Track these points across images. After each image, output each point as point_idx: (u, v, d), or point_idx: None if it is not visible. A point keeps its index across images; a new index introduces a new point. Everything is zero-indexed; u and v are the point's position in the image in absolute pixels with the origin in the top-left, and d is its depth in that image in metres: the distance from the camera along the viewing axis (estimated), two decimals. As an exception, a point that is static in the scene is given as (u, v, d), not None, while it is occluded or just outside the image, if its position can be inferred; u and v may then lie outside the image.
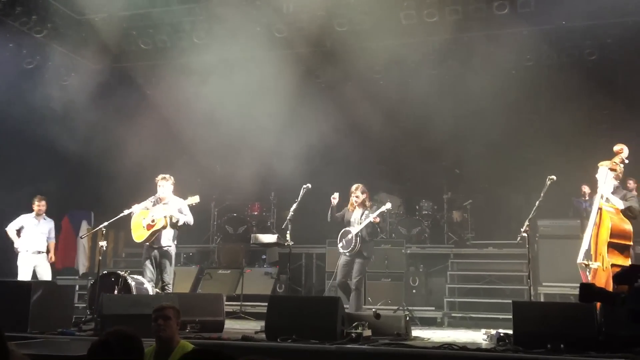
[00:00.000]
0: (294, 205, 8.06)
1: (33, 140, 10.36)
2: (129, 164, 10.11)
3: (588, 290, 3.01)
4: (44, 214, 9.50)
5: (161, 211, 8.06)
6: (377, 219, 8.13)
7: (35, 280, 9.15)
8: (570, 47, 10.05)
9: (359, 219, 8.25)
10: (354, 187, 8.44)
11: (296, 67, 10.49)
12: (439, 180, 11.37)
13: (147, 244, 8.13)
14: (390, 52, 10.37)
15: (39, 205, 9.45)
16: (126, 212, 8.10)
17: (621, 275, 3.05)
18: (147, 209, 8.16)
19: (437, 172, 11.41)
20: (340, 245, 8.33)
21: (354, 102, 10.84)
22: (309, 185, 8.10)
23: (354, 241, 8.15)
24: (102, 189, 10.65)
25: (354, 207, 8.38)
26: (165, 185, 8.15)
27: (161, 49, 10.67)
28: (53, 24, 10.14)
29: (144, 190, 8.67)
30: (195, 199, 8.16)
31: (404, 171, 11.43)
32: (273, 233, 10.60)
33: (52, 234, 9.62)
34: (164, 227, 8.04)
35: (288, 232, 7.97)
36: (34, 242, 9.19)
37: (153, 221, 8.04)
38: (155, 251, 8.14)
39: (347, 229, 8.33)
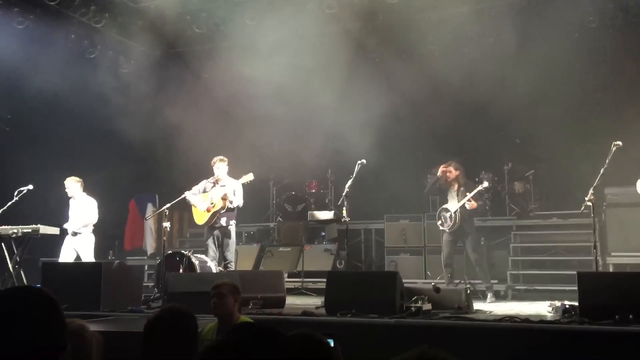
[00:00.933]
0: (349, 182, 8.07)
1: (98, 127, 10.79)
2: (188, 146, 10.36)
3: None
4: (78, 195, 8.96)
5: (219, 193, 8.26)
6: (474, 204, 8.28)
7: (106, 261, 9.58)
8: (635, 5, 9.50)
9: (456, 196, 8.44)
10: (444, 166, 8.68)
11: (349, 42, 10.40)
12: (498, 150, 11.08)
13: (210, 224, 8.39)
14: (445, 22, 10.11)
15: (65, 187, 9.03)
16: (186, 194, 8.36)
17: None
18: (206, 191, 8.40)
19: (496, 143, 11.12)
20: (439, 222, 8.58)
21: (408, 76, 10.65)
22: (364, 161, 8.08)
23: (453, 218, 8.35)
24: (165, 172, 10.98)
25: (450, 185, 8.59)
26: (221, 166, 8.36)
27: (215, 32, 10.80)
28: (111, 14, 10.43)
29: (204, 171, 8.91)
30: (249, 177, 8.32)
31: (461, 143, 11.18)
32: (330, 210, 10.67)
33: (87, 214, 8.89)
34: (223, 209, 8.25)
35: (344, 208, 8.00)
36: (69, 224, 8.90)
37: (212, 204, 8.27)
38: (217, 231, 8.38)
39: (445, 206, 8.56)
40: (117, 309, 6.89)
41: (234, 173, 8.63)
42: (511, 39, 10.04)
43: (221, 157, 8.49)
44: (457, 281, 8.82)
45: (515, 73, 9.90)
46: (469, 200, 8.32)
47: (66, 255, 8.80)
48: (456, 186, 8.61)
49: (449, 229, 8.49)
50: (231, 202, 8.25)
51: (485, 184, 8.58)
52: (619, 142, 6.68)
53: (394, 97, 10.54)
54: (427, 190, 9.01)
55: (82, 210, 8.93)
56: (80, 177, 9.12)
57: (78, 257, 8.80)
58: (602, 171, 6.71)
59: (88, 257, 8.79)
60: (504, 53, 9.96)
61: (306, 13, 9.91)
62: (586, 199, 6.66)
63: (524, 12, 9.93)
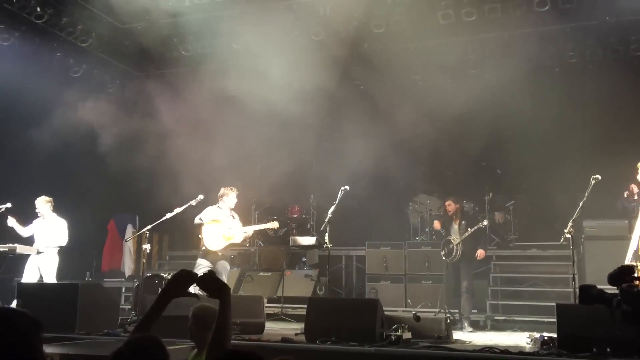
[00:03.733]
0: (332, 208, 8.08)
1: (78, 146, 10.68)
2: (171, 168, 10.32)
3: (587, 292, 2.96)
4: (48, 215, 8.87)
5: (239, 227, 8.19)
6: (482, 253, 8.98)
7: (82, 282, 9.42)
8: (614, 42, 9.77)
9: (457, 230, 8.98)
10: (446, 202, 9.34)
11: (334, 69, 10.51)
12: (480, 181, 11.21)
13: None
14: (429, 52, 10.29)
15: (36, 206, 8.92)
16: (168, 215, 8.28)
17: (614, 277, 2.95)
18: (219, 220, 8.24)
19: (478, 173, 11.26)
20: (442, 253, 9.03)
21: (392, 104, 10.78)
22: (347, 188, 8.11)
23: (456, 250, 8.82)
24: (146, 193, 10.90)
25: (451, 217, 9.15)
26: (233, 197, 8.29)
27: (200, 55, 10.86)
28: (97, 33, 10.44)
29: (186, 194, 8.85)
30: (274, 224, 8.68)
31: (444, 172, 11.31)
32: (312, 235, 10.65)
33: (57, 235, 8.77)
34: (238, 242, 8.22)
35: (326, 234, 8.00)
36: (36, 243, 8.76)
37: (230, 235, 8.16)
38: (217, 258, 8.22)
39: (448, 238, 9.00)
40: (93, 331, 6.77)
41: (215, 196, 8.57)
42: (493, 71, 10.24)
43: (233, 188, 8.44)
44: (436, 310, 8.83)
45: (496, 105, 10.08)
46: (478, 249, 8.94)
47: (29, 274, 8.61)
48: (457, 220, 9.08)
49: (450, 260, 8.89)
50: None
51: (485, 222, 9.00)
52: (598, 176, 6.80)
53: (378, 124, 10.64)
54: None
55: (51, 230, 8.79)
56: (52, 197, 8.97)
57: (41, 277, 8.64)
58: (581, 204, 6.82)
59: (50, 277, 8.64)
60: (486, 84, 10.15)
61: (293, 39, 10.01)
62: (565, 231, 6.74)
63: (505, 45, 10.14)
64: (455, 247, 8.83)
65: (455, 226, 9.07)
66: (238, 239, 8.22)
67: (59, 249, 8.80)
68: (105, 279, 10.94)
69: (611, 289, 2.98)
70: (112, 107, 10.62)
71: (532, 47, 9.92)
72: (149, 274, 8.53)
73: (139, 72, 11.41)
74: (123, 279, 11.51)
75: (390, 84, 10.90)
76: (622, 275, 2.91)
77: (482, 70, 10.43)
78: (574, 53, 10.03)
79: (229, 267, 8.41)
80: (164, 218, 8.31)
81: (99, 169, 10.94)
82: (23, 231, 8.83)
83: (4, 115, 10.32)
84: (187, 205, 8.41)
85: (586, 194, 6.83)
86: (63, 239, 8.82)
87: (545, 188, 10.70)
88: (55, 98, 9.97)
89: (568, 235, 6.73)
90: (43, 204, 8.87)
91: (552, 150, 10.50)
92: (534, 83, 9.81)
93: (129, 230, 11.58)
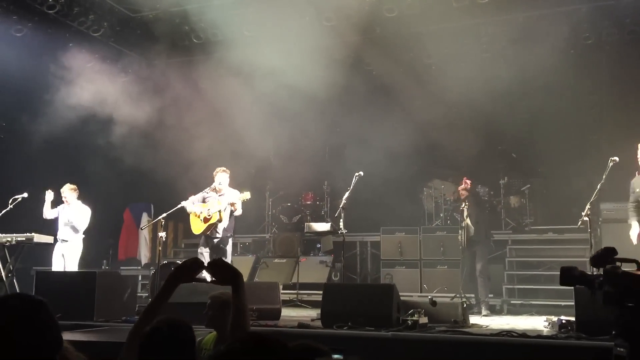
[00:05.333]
0: (347, 194, 8.06)
1: (92, 136, 10.74)
2: (185, 156, 10.35)
3: (569, 273, 2.92)
4: (73, 202, 8.97)
5: (216, 205, 8.27)
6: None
7: (100, 270, 9.52)
8: (631, 22, 9.59)
9: (465, 212, 8.69)
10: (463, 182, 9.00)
11: (346, 55, 10.44)
12: (495, 165, 11.12)
13: (206, 234, 8.38)
14: (442, 36, 10.17)
15: (62, 194, 9.02)
16: (183, 203, 8.35)
17: (596, 258, 2.90)
18: (205, 201, 8.40)
19: (492, 157, 11.16)
20: (460, 237, 8.76)
21: (405, 89, 10.70)
22: (361, 173, 8.08)
23: (463, 233, 8.58)
24: (161, 181, 10.95)
25: (463, 202, 8.81)
26: (222, 177, 8.36)
27: (212, 43, 10.83)
28: (109, 23, 10.45)
29: (201, 181, 8.89)
30: (246, 195, 8.33)
31: (458, 156, 11.21)
32: (327, 222, 10.64)
33: (81, 221, 8.87)
34: (219, 221, 8.24)
35: (341, 220, 7.98)
36: (61, 231, 8.90)
37: (209, 215, 8.27)
38: (213, 241, 8.36)
39: (462, 224, 8.71)
40: (111, 319, 6.84)
41: (231, 184, 8.63)
42: (508, 54, 10.11)
43: (223, 168, 8.52)
44: (452, 295, 8.81)
45: (512, 88, 9.96)
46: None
47: (56, 263, 8.77)
48: (466, 203, 8.86)
49: (463, 243, 8.69)
50: (234, 210, 8.27)
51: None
52: (616, 158, 6.71)
53: (391, 109, 10.58)
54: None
55: (76, 216, 8.88)
56: (76, 186, 9.11)
57: (65, 265, 8.75)
58: (599, 187, 6.73)
59: (73, 265, 8.73)
60: (501, 68, 10.03)
61: (304, 25, 9.95)
62: (583, 214, 6.67)
63: (521, 28, 10.00)
64: (461, 230, 8.66)
65: (465, 206, 8.85)
66: (215, 217, 8.27)
67: (83, 237, 8.91)
68: (121, 267, 11.04)
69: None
70: (126, 96, 10.64)
71: (546, 29, 9.76)
72: (165, 262, 8.59)
73: (150, 61, 11.40)
74: (139, 267, 11.62)
75: (403, 69, 10.80)
76: (605, 256, 2.86)
77: (495, 54, 10.31)
78: (590, 34, 9.87)
79: (228, 250, 8.46)
80: (178, 206, 8.37)
81: (114, 158, 11.00)
82: (49, 212, 8.93)
83: (18, 106, 10.39)
84: (200, 194, 8.47)
85: (604, 177, 6.75)
86: (83, 225, 8.89)
87: (561, 171, 10.59)
88: (68, 88, 9.99)
89: (586, 219, 6.66)
90: (70, 191, 8.98)
91: (568, 133, 10.38)
92: (549, 65, 9.66)
93: (144, 218, 11.65)
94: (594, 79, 10.34)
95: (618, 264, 2.81)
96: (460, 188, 9.05)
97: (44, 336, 1.61)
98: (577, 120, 10.36)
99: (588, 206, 6.68)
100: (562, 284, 2.98)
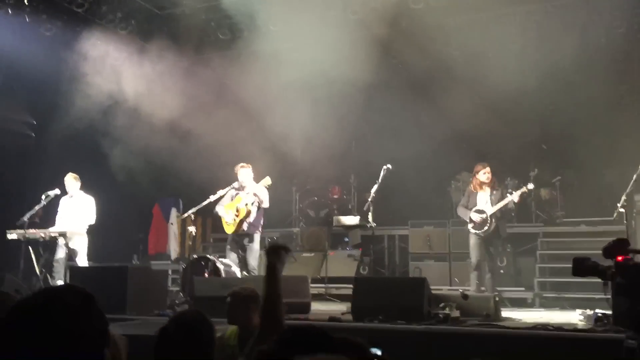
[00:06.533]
0: (375, 187, 8.02)
1: (120, 131, 10.84)
2: (213, 151, 10.39)
3: (581, 265, 2.95)
4: (76, 193, 8.84)
5: (242, 201, 8.31)
6: (519, 199, 8.28)
7: (131, 265, 9.62)
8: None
9: (489, 199, 8.38)
10: (481, 167, 8.57)
11: (372, 48, 10.36)
12: (524, 156, 10.95)
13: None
14: (469, 27, 10.04)
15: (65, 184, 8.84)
16: (212, 198, 8.40)
17: (608, 249, 2.90)
18: (232, 199, 8.44)
19: (522, 149, 10.99)
20: (471, 225, 8.42)
21: (432, 81, 10.60)
22: (390, 166, 8.03)
23: (489, 221, 8.25)
24: (189, 176, 11.03)
25: (481, 188, 8.50)
26: (244, 173, 8.40)
27: (238, 38, 10.85)
28: (137, 20, 10.54)
29: (228, 176, 8.93)
30: (267, 181, 8.33)
31: (486, 148, 11.07)
32: (355, 215, 10.61)
33: (86, 213, 8.69)
34: (248, 216, 8.27)
35: (370, 213, 7.95)
36: (64, 224, 8.75)
37: (237, 211, 8.31)
38: (241, 238, 8.39)
39: (478, 208, 8.39)
40: (143, 312, 6.91)
41: (257, 178, 8.65)
42: (537, 43, 9.93)
43: (242, 164, 8.54)
44: (482, 288, 8.70)
45: (541, 78, 9.79)
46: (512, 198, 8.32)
47: (60, 255, 8.55)
48: (489, 189, 8.55)
49: (483, 233, 8.35)
50: (261, 202, 8.28)
51: (531, 185, 8.60)
52: (652, 148, 6.56)
53: (419, 102, 10.48)
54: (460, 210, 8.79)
55: (80, 209, 8.74)
56: (97, 182, 9.04)
57: (71, 258, 8.58)
58: (634, 177, 6.58)
59: (82, 260, 8.60)
60: (529, 58, 9.85)
61: (330, 18, 9.90)
62: (619, 205, 6.54)
63: (549, 17, 9.82)
64: (489, 217, 8.33)
65: (485, 195, 8.53)
66: (242, 212, 8.26)
67: (88, 228, 8.78)
68: (152, 262, 11.15)
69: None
70: (153, 91, 10.72)
71: (576, 18, 9.57)
72: (195, 256, 8.64)
73: (179, 57, 11.47)
74: (169, 262, 11.72)
75: (431, 61, 10.68)
76: (617, 247, 2.87)
77: (524, 44, 10.13)
78: (621, 22, 9.64)
79: (255, 247, 8.46)
80: (206, 201, 8.42)
81: (142, 155, 11.10)
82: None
83: (47, 106, 10.54)
84: (229, 188, 8.51)
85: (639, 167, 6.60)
86: (92, 217, 8.78)
87: (592, 163, 10.38)
88: (96, 84, 10.10)
89: (621, 210, 6.53)
90: (73, 181, 8.88)
91: (599, 123, 10.17)
92: (580, 55, 9.47)
93: (173, 213, 11.76)
94: (625, 67, 10.10)
95: (631, 255, 2.84)
96: (485, 171, 8.57)
97: (97, 327, 1.62)
98: (609, 110, 10.14)
99: (624, 197, 6.56)
100: (574, 274, 3.01)
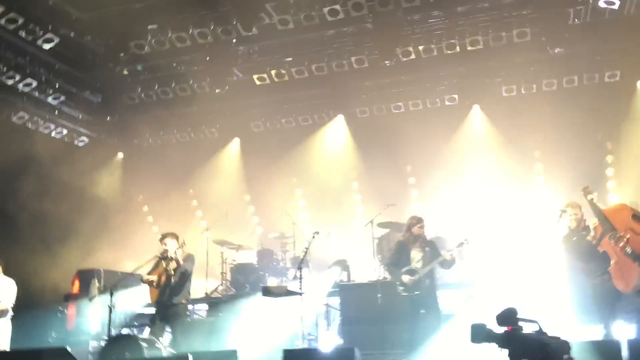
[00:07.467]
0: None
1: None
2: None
3: (478, 331, 3.11)
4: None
5: (165, 270, 8.07)
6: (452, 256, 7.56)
7: (47, 348, 8.84)
8: None
9: (421, 255, 7.69)
10: (416, 220, 7.88)
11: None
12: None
13: (158, 300, 8.14)
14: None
15: None
16: (136, 272, 8.12)
17: (501, 317, 3.12)
18: (156, 267, 8.20)
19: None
20: (401, 289, 7.67)
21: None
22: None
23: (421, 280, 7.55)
24: (110, 246, 10.65)
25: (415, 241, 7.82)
26: (169, 242, 8.15)
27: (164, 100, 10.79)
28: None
29: (150, 245, 8.63)
30: (182, 243, 8.12)
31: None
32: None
33: (10, 298, 8.05)
34: (168, 286, 8.00)
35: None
36: None
37: (158, 281, 8.14)
38: (165, 308, 8.08)
39: (410, 267, 7.63)
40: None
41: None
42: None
43: (172, 232, 8.30)
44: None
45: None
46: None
47: None
48: (419, 243, 7.80)
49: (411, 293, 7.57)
50: (183, 268, 7.98)
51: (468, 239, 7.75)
52: None
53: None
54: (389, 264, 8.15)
55: (6, 293, 8.02)
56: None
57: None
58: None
59: (4, 345, 7.87)
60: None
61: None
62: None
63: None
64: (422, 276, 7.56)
65: (418, 251, 7.74)
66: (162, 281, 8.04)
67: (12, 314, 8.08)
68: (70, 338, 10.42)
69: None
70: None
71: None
72: (114, 334, 8.17)
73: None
74: (89, 337, 10.97)
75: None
76: (508, 317, 3.07)
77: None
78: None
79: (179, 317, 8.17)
80: (128, 273, 8.04)
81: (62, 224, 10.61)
82: None
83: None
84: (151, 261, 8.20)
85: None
86: (13, 301, 8.06)
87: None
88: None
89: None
90: None
91: None
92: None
93: (94, 285, 11.13)
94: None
95: (520, 324, 3.09)
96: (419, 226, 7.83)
97: None
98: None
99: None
100: (472, 341, 3.14)
